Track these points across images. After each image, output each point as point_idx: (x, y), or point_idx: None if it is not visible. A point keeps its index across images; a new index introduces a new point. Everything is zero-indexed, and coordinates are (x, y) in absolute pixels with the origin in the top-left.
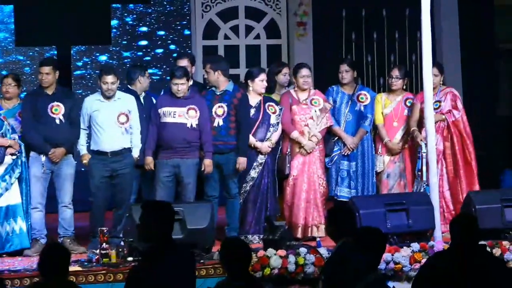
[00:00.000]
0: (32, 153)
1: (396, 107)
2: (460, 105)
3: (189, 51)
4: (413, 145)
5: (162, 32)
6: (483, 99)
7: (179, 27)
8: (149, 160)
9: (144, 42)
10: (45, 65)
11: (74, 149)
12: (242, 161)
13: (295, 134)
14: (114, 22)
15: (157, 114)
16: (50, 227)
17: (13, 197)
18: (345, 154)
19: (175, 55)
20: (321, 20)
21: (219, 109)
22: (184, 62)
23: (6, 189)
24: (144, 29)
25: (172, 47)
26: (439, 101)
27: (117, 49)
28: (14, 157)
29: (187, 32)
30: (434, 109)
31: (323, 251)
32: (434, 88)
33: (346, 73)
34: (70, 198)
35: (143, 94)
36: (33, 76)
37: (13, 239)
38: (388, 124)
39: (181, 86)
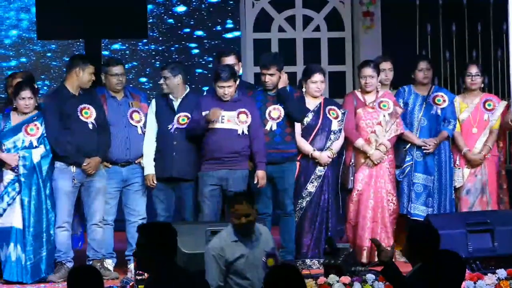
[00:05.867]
0: (58, 164)
1: (474, 111)
2: None
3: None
4: (496, 154)
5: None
6: None
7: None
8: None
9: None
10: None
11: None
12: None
13: (360, 142)
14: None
15: (203, 118)
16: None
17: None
18: (424, 150)
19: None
20: (391, 9)
21: (274, 112)
22: (230, 60)
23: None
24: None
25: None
26: None
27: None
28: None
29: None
30: None
31: None
32: None
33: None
34: (101, 215)
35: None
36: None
37: (5, 267)
38: (466, 132)
39: (227, 90)
